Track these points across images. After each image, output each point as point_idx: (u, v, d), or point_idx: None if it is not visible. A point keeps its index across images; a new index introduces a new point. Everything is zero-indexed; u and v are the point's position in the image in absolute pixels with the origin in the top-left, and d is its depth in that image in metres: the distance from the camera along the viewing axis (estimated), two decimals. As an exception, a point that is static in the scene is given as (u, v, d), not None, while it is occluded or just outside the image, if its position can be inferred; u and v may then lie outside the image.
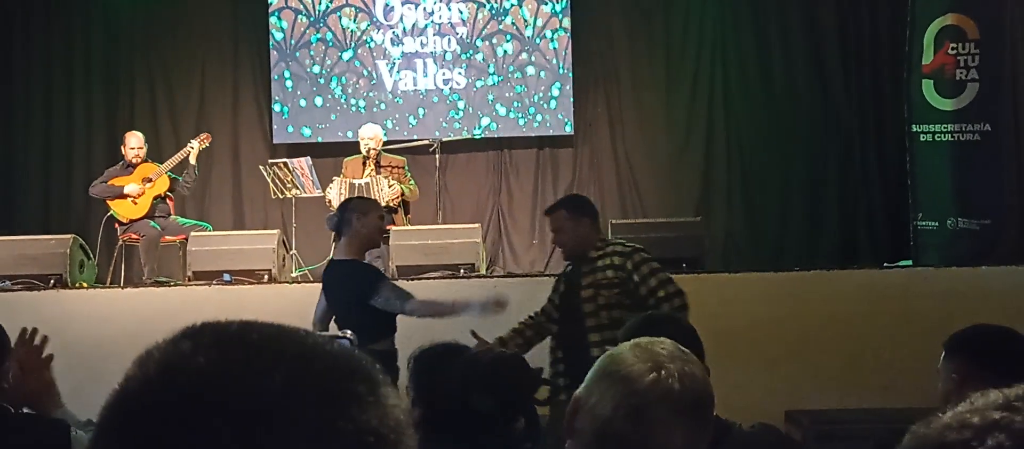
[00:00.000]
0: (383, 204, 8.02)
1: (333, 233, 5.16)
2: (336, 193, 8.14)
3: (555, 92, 9.88)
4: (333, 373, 0.78)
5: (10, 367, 2.73)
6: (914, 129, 8.43)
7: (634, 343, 1.78)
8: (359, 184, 8.12)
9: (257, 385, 0.75)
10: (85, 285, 7.77)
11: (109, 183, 8.26)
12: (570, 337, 4.81)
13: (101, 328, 6.74)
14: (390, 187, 8.09)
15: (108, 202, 8.27)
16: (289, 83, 9.93)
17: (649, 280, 4.72)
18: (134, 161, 8.29)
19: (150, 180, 8.23)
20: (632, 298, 4.70)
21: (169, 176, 8.30)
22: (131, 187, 8.19)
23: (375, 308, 4.80)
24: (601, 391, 1.74)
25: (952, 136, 8.32)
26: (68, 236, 7.98)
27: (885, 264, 8.30)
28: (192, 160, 8.35)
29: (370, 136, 8.37)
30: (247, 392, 0.75)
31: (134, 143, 8.36)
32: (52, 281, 7.54)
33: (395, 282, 5.24)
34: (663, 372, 1.73)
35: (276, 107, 9.90)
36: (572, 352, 4.74)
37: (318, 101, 9.91)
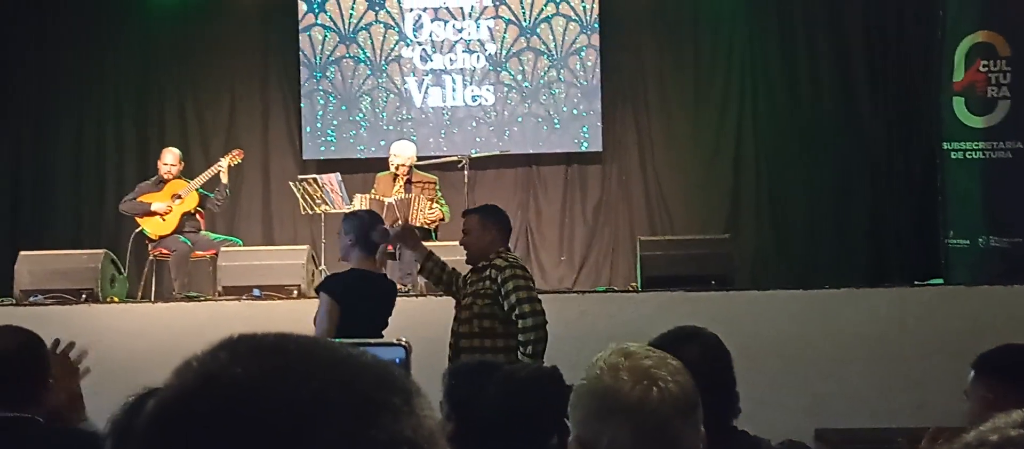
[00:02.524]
0: (420, 224, 8.05)
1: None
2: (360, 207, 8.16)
3: (584, 109, 9.88)
4: (368, 383, 0.79)
5: (51, 382, 2.77)
6: (945, 147, 8.38)
7: (610, 366, 1.79)
8: (390, 202, 8.13)
9: (293, 395, 0.76)
10: (116, 300, 7.83)
11: (138, 199, 8.33)
12: (453, 335, 5.16)
13: (132, 342, 6.79)
14: (430, 210, 8.10)
15: (137, 219, 8.33)
16: (319, 99, 9.99)
17: (510, 297, 5.00)
18: (166, 177, 8.35)
19: (179, 197, 8.29)
20: (503, 312, 5.01)
21: (199, 192, 8.36)
22: (158, 204, 8.25)
23: None
24: (612, 428, 1.74)
25: (983, 154, 8.27)
26: (100, 251, 8.05)
27: (916, 282, 8.24)
28: (223, 178, 8.39)
29: (404, 154, 8.36)
30: (284, 401, 0.76)
31: (169, 159, 8.42)
32: (84, 296, 7.60)
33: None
34: (660, 383, 1.75)
35: (306, 123, 9.96)
36: (452, 349, 5.10)
37: (348, 117, 9.96)
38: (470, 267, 5.26)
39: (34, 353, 2.75)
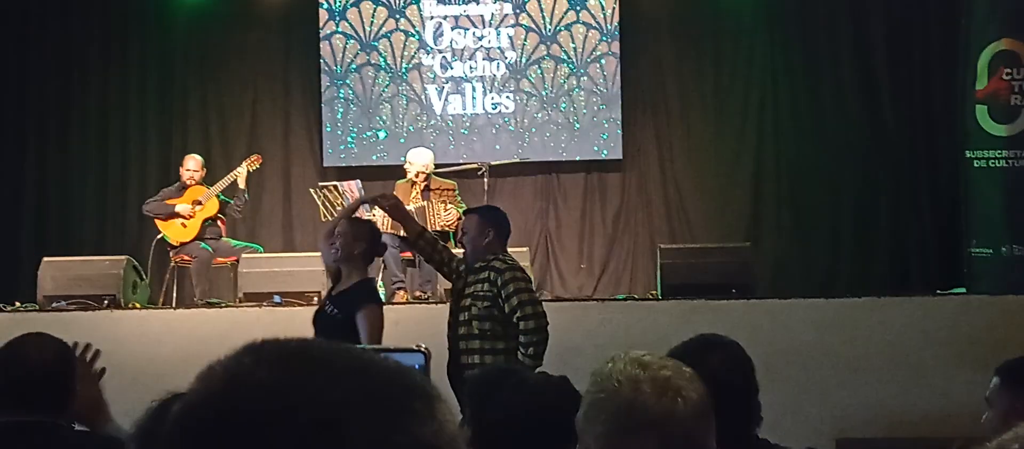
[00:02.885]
0: (438, 228, 8.06)
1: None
2: (380, 216, 8.17)
3: (603, 117, 9.88)
4: (391, 388, 0.79)
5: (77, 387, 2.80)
6: (968, 155, 8.32)
7: (629, 378, 1.77)
8: (410, 210, 8.14)
9: (317, 399, 0.77)
10: (138, 306, 7.87)
11: (162, 202, 8.37)
12: (450, 338, 5.12)
13: (154, 348, 6.83)
14: (446, 212, 8.11)
15: (158, 224, 8.37)
16: (339, 107, 10.02)
17: (511, 299, 4.97)
18: (189, 182, 8.39)
19: (199, 202, 8.33)
20: (502, 314, 4.98)
21: (219, 198, 8.39)
22: (182, 207, 8.30)
23: None
24: (639, 442, 1.74)
25: (1007, 162, 8.21)
26: (122, 257, 8.09)
27: (938, 291, 8.19)
28: (241, 184, 8.42)
29: (420, 162, 8.38)
30: (308, 406, 0.76)
31: (191, 165, 8.47)
32: (106, 301, 7.64)
33: None
34: (682, 393, 1.75)
35: (326, 130, 9.99)
36: (450, 352, 5.07)
37: (368, 125, 9.99)
38: (468, 268, 5.23)
39: (64, 362, 2.80)
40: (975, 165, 8.28)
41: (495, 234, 5.17)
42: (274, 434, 0.75)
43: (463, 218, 5.36)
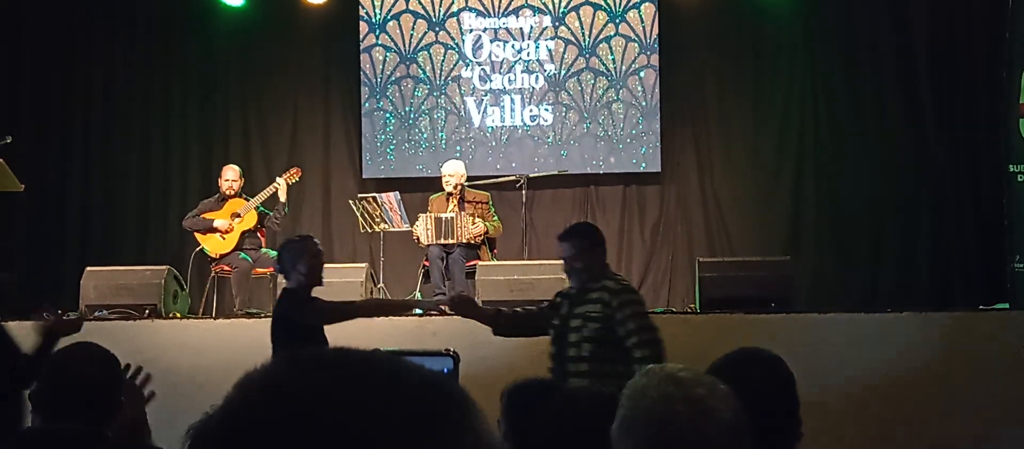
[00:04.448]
0: (465, 240, 8.08)
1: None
2: (422, 229, 8.22)
3: (642, 129, 9.86)
4: (429, 398, 0.79)
5: (123, 402, 2.84)
6: (1011, 169, 8.23)
7: (663, 396, 1.76)
8: (444, 218, 8.19)
9: (355, 408, 0.77)
10: (178, 315, 7.94)
11: (201, 216, 8.44)
12: (557, 361, 4.91)
13: (194, 358, 6.88)
14: (473, 225, 8.14)
15: (197, 236, 8.44)
16: (379, 119, 10.07)
17: (628, 323, 4.77)
18: (227, 193, 8.46)
19: (238, 215, 8.38)
20: (615, 336, 4.78)
21: (258, 211, 8.45)
22: (220, 221, 8.36)
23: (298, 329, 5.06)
24: None
25: (1051, 176, 8.11)
26: (163, 267, 8.17)
27: (981, 307, 8.09)
28: (282, 197, 8.47)
29: (451, 173, 8.43)
30: (346, 414, 0.76)
31: (230, 176, 8.54)
32: (147, 311, 7.71)
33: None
34: (715, 414, 1.74)
35: (366, 142, 10.04)
36: (556, 376, 4.83)
37: (407, 137, 10.03)
38: (575, 289, 5.02)
39: (112, 373, 2.84)
40: (1019, 180, 8.19)
41: (602, 252, 5.01)
42: (312, 442, 0.75)
43: (564, 242, 5.04)
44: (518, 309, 5.31)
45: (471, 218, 8.18)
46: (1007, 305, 7.98)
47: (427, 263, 8.30)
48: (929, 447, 6.52)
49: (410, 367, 0.82)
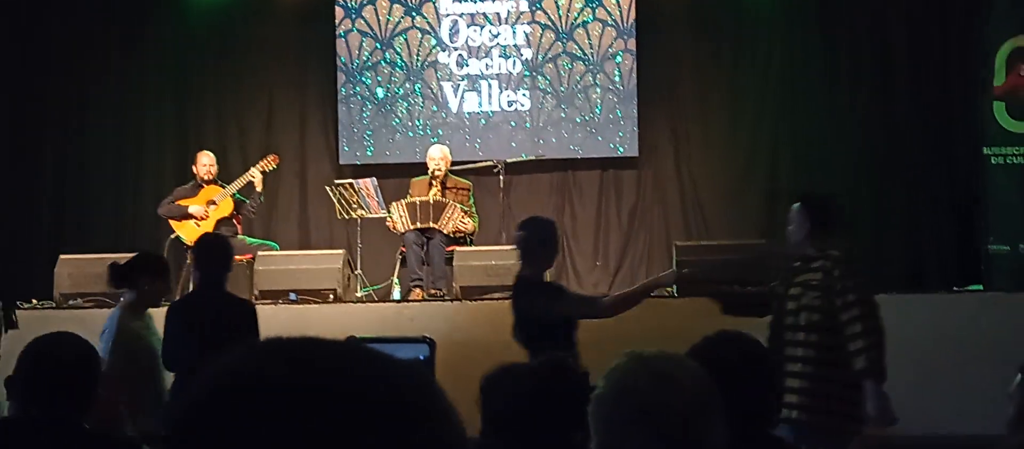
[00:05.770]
0: (448, 232, 8.07)
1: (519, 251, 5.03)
2: (397, 216, 8.21)
3: (619, 114, 9.87)
4: (405, 387, 0.79)
5: (102, 391, 2.85)
6: (986, 152, 8.29)
7: (628, 371, 1.80)
8: (420, 202, 8.16)
9: (334, 398, 0.76)
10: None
11: (176, 203, 8.39)
12: (773, 327, 4.79)
13: (170, 345, 6.83)
14: (463, 220, 8.12)
15: (173, 223, 8.39)
16: (355, 104, 10.04)
17: (847, 295, 4.63)
18: (206, 178, 8.41)
19: (214, 202, 8.34)
20: (833, 308, 4.64)
21: (234, 198, 8.41)
22: (196, 208, 8.31)
23: (569, 321, 4.78)
24: (636, 433, 1.77)
25: (1024, 159, 8.18)
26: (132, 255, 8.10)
27: (955, 288, 8.15)
28: (258, 186, 8.43)
29: (438, 156, 8.43)
30: (324, 404, 0.76)
31: (205, 161, 8.49)
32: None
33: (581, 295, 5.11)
34: (678, 384, 1.78)
35: (342, 128, 10.01)
36: (772, 342, 4.71)
37: (384, 122, 10.00)
38: (795, 259, 4.91)
39: (89, 363, 2.83)
40: (993, 162, 8.25)
41: (821, 224, 4.85)
42: (283, 434, 0.74)
43: (795, 209, 4.93)
44: (749, 288, 5.14)
45: (463, 214, 8.16)
46: (981, 286, 8.04)
47: (404, 249, 8.30)
48: (903, 427, 6.56)
49: (382, 356, 0.81)
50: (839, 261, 4.69)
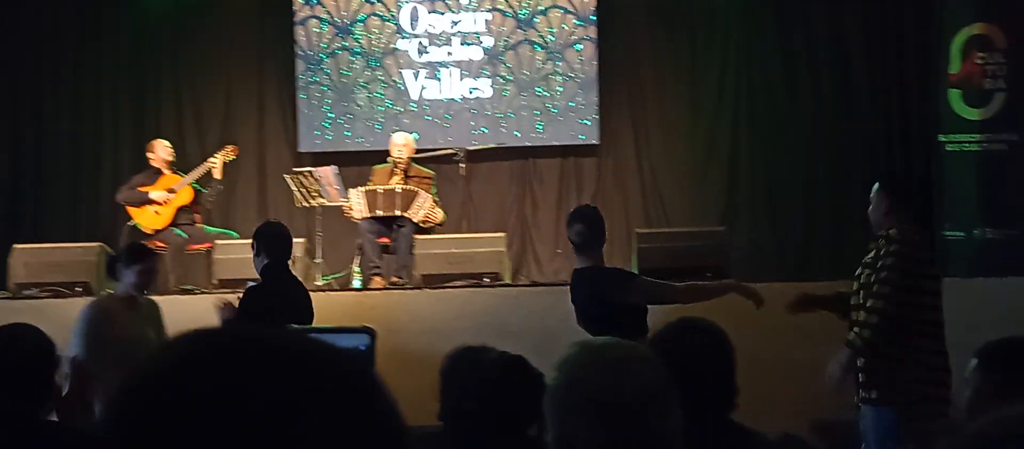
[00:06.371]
0: (419, 221, 8.04)
1: (576, 245, 5.02)
2: (356, 201, 8.16)
3: (580, 102, 9.87)
4: (336, 377, 0.79)
5: (61, 382, 2.82)
6: (941, 139, 8.38)
7: (578, 362, 1.81)
8: (382, 191, 8.12)
9: (264, 386, 0.76)
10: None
11: (137, 189, 8.31)
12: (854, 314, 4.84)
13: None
14: (433, 210, 8.10)
15: (131, 211, 8.31)
16: (315, 92, 9.97)
17: (880, 273, 4.67)
18: (165, 161, 8.33)
19: (173, 191, 8.27)
20: (870, 284, 4.71)
21: (193, 187, 8.34)
22: (157, 194, 8.24)
23: (639, 307, 4.77)
24: (587, 423, 1.77)
25: (979, 146, 8.27)
26: (95, 244, 8.04)
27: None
28: (217, 175, 8.36)
29: (402, 143, 8.39)
30: (247, 396, 0.75)
31: (160, 150, 8.41)
32: (79, 289, 7.59)
33: (669, 283, 5.14)
34: (628, 374, 1.78)
35: (301, 116, 9.94)
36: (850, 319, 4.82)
37: (344, 110, 9.95)
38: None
39: (45, 354, 2.80)
40: (948, 149, 8.34)
41: (890, 205, 4.85)
42: (216, 425, 0.74)
43: (874, 190, 4.95)
44: (838, 294, 5.14)
45: (433, 201, 8.12)
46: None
47: (382, 240, 8.24)
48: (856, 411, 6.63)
49: (320, 346, 0.81)
50: (891, 240, 4.72)
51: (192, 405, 0.75)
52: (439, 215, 8.20)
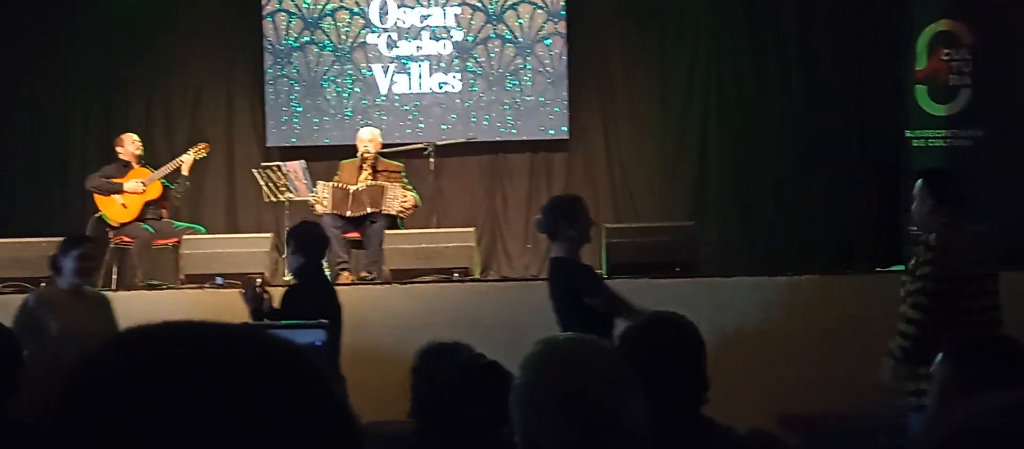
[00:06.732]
0: (395, 213, 8.01)
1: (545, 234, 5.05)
2: (322, 193, 8.12)
3: (550, 96, 9.87)
4: (288, 373, 0.78)
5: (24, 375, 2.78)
6: (908, 134, 8.44)
7: (539, 359, 1.83)
8: (357, 189, 8.09)
9: (210, 384, 0.75)
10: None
11: (110, 180, 8.24)
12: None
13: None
14: (404, 199, 8.07)
15: (98, 202, 8.23)
16: (283, 86, 9.92)
17: (920, 282, 4.68)
18: (134, 156, 8.26)
19: (144, 184, 8.21)
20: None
21: (161, 183, 8.28)
22: (132, 184, 8.17)
23: (586, 306, 4.72)
24: (551, 419, 1.79)
25: (945, 142, 8.34)
26: (60, 239, 7.94)
27: (878, 269, 8.30)
28: (185, 170, 8.31)
29: (368, 138, 8.36)
30: (200, 391, 0.75)
31: (128, 144, 8.35)
32: (43, 284, 7.51)
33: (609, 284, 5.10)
34: (588, 367, 1.80)
35: (270, 110, 9.89)
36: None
37: (312, 104, 9.90)
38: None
39: (13, 350, 2.76)
40: (915, 144, 8.40)
41: (933, 205, 4.79)
42: (166, 420, 0.73)
43: (917, 186, 4.90)
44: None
45: (403, 192, 8.10)
46: (903, 267, 8.18)
47: (350, 234, 8.20)
48: (829, 405, 6.68)
49: (273, 341, 0.80)
50: (929, 247, 4.72)
51: (140, 401, 0.74)
52: (411, 198, 8.18)
